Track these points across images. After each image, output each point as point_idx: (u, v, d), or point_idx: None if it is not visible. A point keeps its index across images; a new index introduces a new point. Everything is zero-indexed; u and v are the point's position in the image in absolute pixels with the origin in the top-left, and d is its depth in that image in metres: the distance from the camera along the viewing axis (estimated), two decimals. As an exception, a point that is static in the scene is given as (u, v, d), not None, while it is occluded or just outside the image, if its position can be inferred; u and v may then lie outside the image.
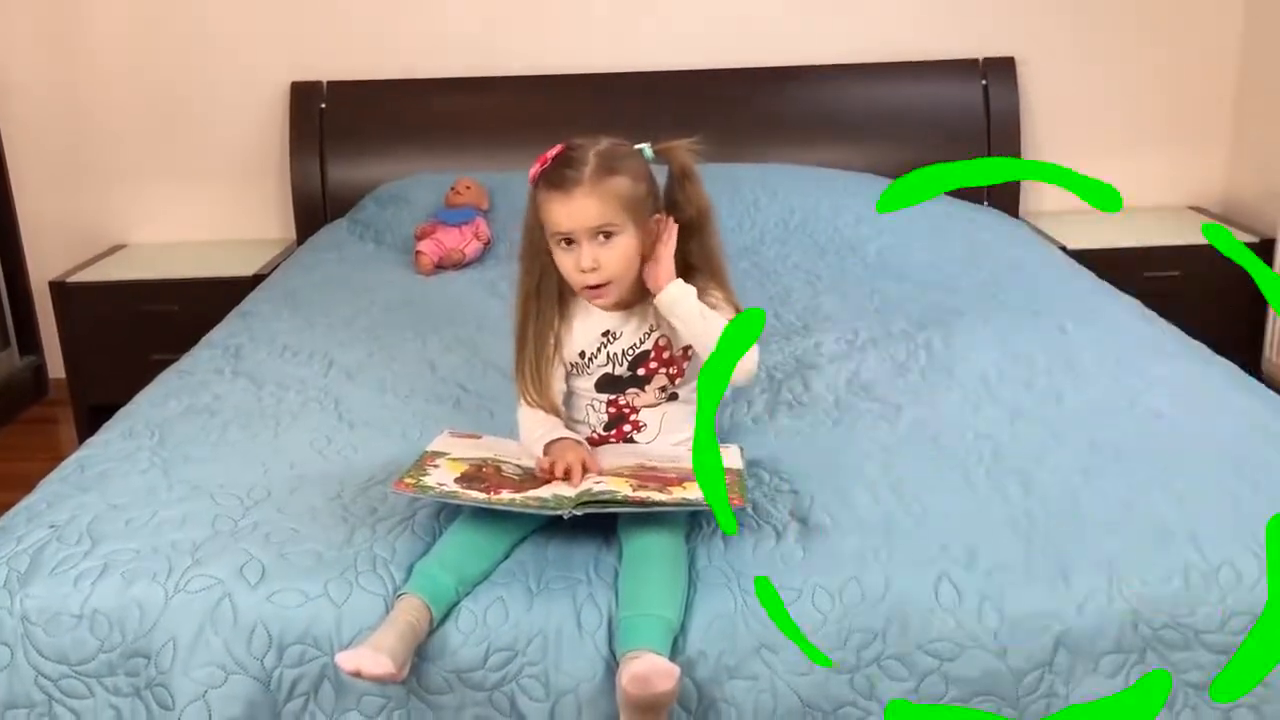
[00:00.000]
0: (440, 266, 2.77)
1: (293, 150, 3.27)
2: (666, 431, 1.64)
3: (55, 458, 1.85)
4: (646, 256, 1.57)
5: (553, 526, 1.48)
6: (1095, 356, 1.98)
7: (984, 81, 3.25)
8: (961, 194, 3.17)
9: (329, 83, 3.28)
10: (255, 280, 2.95)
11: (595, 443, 1.64)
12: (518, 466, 1.54)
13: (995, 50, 3.28)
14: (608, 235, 1.53)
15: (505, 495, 1.43)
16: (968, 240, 2.79)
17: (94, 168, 3.37)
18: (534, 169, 1.57)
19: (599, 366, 1.62)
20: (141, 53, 3.29)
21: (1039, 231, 3.07)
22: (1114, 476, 1.56)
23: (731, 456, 1.56)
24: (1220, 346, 2.14)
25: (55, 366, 3.37)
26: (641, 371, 1.62)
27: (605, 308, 1.61)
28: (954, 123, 3.25)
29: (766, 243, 2.82)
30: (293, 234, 3.34)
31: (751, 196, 2.95)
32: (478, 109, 3.27)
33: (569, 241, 1.54)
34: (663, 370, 1.62)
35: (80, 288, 3.09)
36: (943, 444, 1.68)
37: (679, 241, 1.59)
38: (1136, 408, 1.76)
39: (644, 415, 1.64)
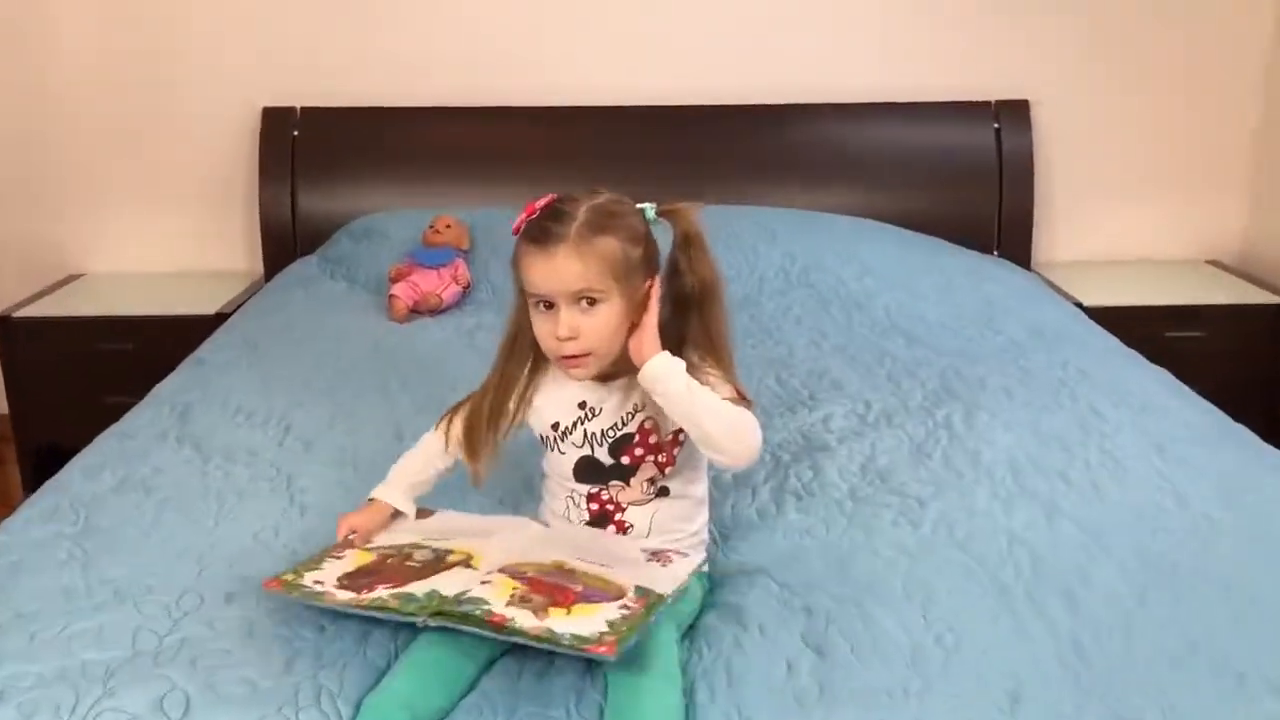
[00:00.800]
0: (415, 311, 2.57)
1: (263, 179, 3.06)
2: (659, 533, 1.44)
3: (4, 504, 1.63)
4: (635, 326, 1.37)
5: (525, 650, 1.28)
6: (1133, 443, 1.80)
7: (996, 124, 3.08)
8: (972, 244, 2.99)
9: (303, 108, 3.08)
10: (217, 319, 2.74)
11: None
12: (433, 551, 1.37)
13: (1009, 92, 3.10)
14: (591, 301, 1.35)
15: (370, 596, 1.25)
16: (982, 297, 2.60)
17: (50, 192, 3.16)
18: (519, 219, 1.39)
19: (575, 447, 1.43)
20: (104, 71, 3.08)
21: (1053, 286, 2.89)
22: (1171, 600, 1.37)
23: (671, 574, 1.31)
24: (1241, 408, 2.03)
25: (1, 401, 3.15)
26: (625, 460, 1.41)
27: (580, 379, 1.42)
28: (965, 167, 3.08)
29: (766, 294, 2.63)
30: (260, 267, 3.13)
31: (750, 241, 2.76)
32: (461, 141, 3.08)
33: (548, 305, 1.36)
34: (650, 458, 1.41)
35: (29, 323, 2.87)
36: (973, 550, 1.49)
37: (678, 315, 1.40)
38: (1187, 510, 1.57)
39: (631, 514, 1.43)
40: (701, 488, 1.48)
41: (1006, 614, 1.35)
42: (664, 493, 1.43)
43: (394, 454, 1.78)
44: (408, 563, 1.34)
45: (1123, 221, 3.23)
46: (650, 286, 1.38)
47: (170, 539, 1.51)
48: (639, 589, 1.25)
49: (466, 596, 1.23)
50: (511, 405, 1.46)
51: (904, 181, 3.07)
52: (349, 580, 1.31)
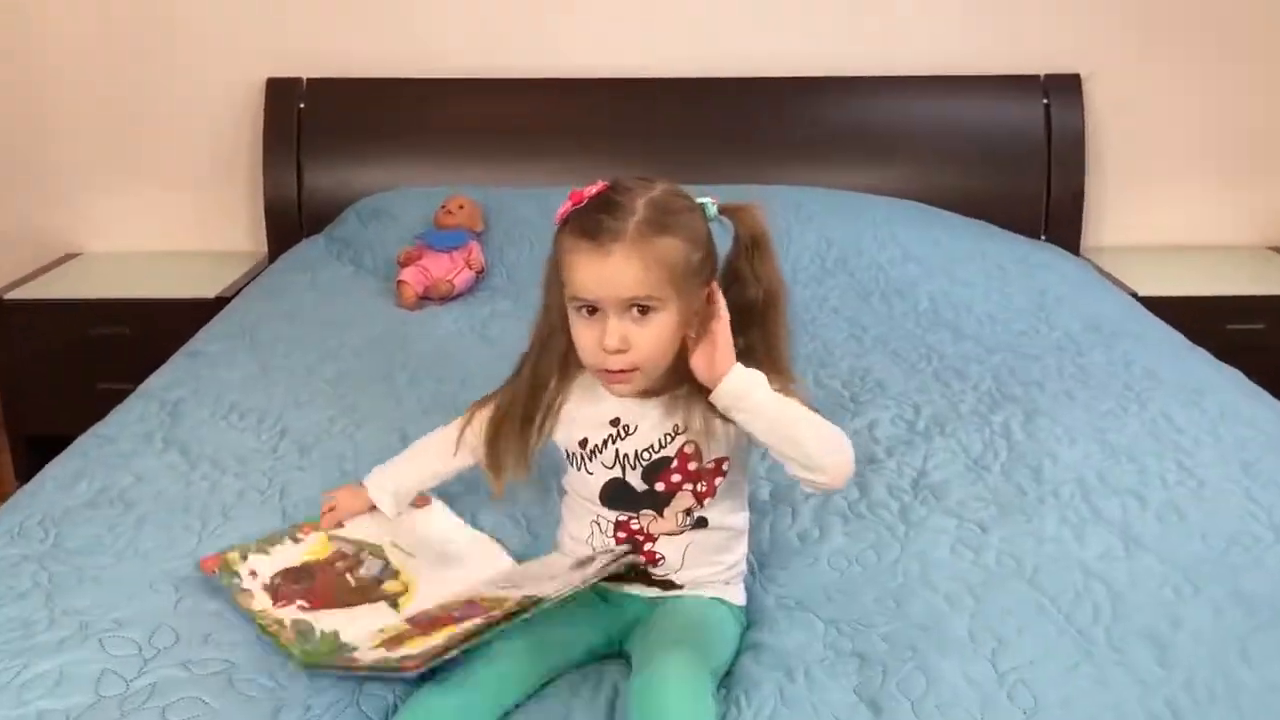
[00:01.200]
0: (426, 298, 2.41)
1: (267, 154, 2.90)
2: (692, 566, 1.27)
3: None
4: (688, 338, 1.20)
5: (545, 695, 1.13)
6: (1214, 458, 1.62)
7: (1046, 100, 2.88)
8: (1019, 227, 2.81)
9: (309, 80, 2.91)
10: (217, 303, 2.59)
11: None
12: (382, 567, 1.34)
13: (1059, 66, 2.91)
14: (644, 310, 1.18)
15: (274, 616, 1.24)
16: (1033, 287, 2.42)
17: (46, 168, 3.00)
18: (564, 207, 1.22)
19: (604, 468, 1.26)
20: (100, 41, 2.91)
21: (1106, 275, 2.71)
22: (1277, 649, 1.20)
23: (578, 575, 1.17)
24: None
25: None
26: (660, 487, 1.25)
27: (622, 395, 1.25)
28: (1012, 145, 2.89)
29: (800, 281, 2.45)
30: (264, 247, 2.97)
31: (783, 224, 2.58)
32: (475, 114, 2.91)
33: (592, 310, 1.20)
34: (688, 486, 1.25)
35: (21, 306, 2.72)
36: (1044, 587, 1.32)
37: (738, 327, 1.21)
38: (1287, 542, 1.40)
39: (663, 545, 1.27)
40: (742, 518, 1.32)
41: (1088, 664, 1.18)
42: (701, 524, 1.27)
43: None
44: (348, 574, 1.33)
45: (1179, 204, 3.03)
46: (711, 293, 1.21)
47: (145, 562, 1.35)
48: (525, 598, 1.13)
49: (324, 638, 1.22)
50: (539, 415, 1.29)
51: (945, 160, 2.89)
52: (280, 580, 1.30)
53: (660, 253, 1.16)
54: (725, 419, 1.20)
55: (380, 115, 2.89)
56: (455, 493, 1.51)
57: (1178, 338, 2.20)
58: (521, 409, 1.29)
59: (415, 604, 1.28)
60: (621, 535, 1.28)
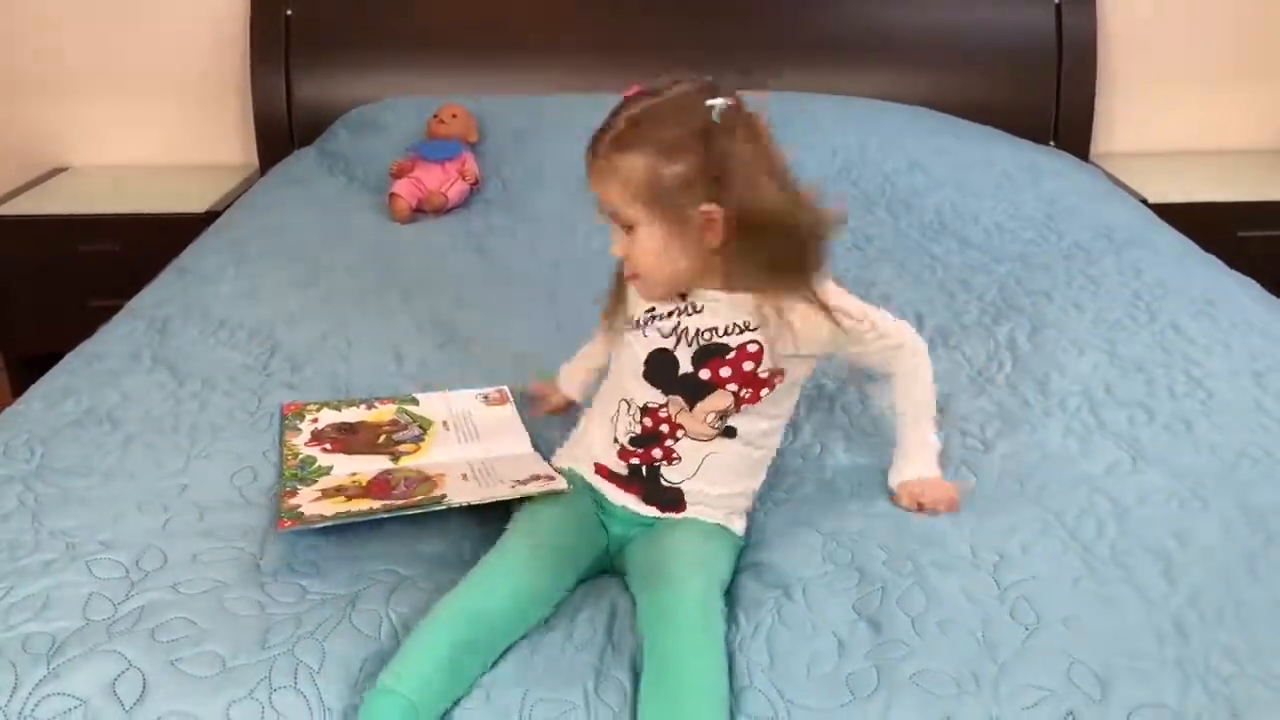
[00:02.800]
0: (419, 211, 2.35)
1: (254, 63, 2.81)
2: (704, 480, 1.24)
3: None
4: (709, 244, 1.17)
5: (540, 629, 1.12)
6: (1225, 370, 1.58)
7: (1057, 2, 2.78)
8: (1029, 133, 2.74)
9: (296, -16, 2.82)
10: (207, 218, 2.53)
11: (607, 474, 1.27)
12: (424, 433, 1.44)
13: (1072, -34, 2.80)
14: (627, 227, 1.19)
15: (298, 447, 1.40)
16: (1041, 195, 2.36)
17: (30, 81, 2.91)
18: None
19: (660, 335, 1.23)
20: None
21: (1117, 182, 2.64)
22: (1286, 566, 1.17)
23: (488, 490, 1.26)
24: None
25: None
26: (706, 375, 1.21)
27: (647, 299, 1.25)
28: (1022, 49, 2.79)
29: (804, 190, 2.39)
30: (255, 159, 2.90)
31: (785, 133, 2.48)
32: (469, 18, 2.80)
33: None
34: (732, 386, 1.21)
35: (9, 222, 2.66)
36: (1048, 503, 1.29)
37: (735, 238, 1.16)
38: (1297, 455, 1.37)
39: (683, 446, 1.24)
40: (771, 444, 1.29)
41: (1092, 580, 1.16)
42: (729, 434, 1.24)
43: (390, 380, 1.62)
44: (384, 435, 1.44)
45: (1190, 108, 2.95)
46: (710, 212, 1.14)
47: (133, 482, 1.33)
48: (433, 496, 1.24)
49: (317, 469, 1.34)
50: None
51: (953, 65, 2.80)
52: (329, 429, 1.44)
53: (624, 172, 1.15)
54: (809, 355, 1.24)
55: (371, 21, 2.80)
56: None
57: (1190, 245, 2.14)
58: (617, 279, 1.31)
59: (415, 461, 1.37)
60: (648, 422, 1.24)
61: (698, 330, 1.22)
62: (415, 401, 1.53)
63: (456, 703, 1.04)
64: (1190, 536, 1.22)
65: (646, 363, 1.23)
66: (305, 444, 1.41)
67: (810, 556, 1.21)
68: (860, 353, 1.29)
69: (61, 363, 1.69)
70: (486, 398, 1.55)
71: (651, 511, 1.26)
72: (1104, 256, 2.03)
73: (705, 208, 1.15)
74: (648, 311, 1.25)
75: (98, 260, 2.62)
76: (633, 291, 1.28)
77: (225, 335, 1.76)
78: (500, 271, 2.07)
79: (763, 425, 1.26)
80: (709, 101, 1.15)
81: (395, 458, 1.39)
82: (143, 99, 2.94)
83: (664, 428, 1.24)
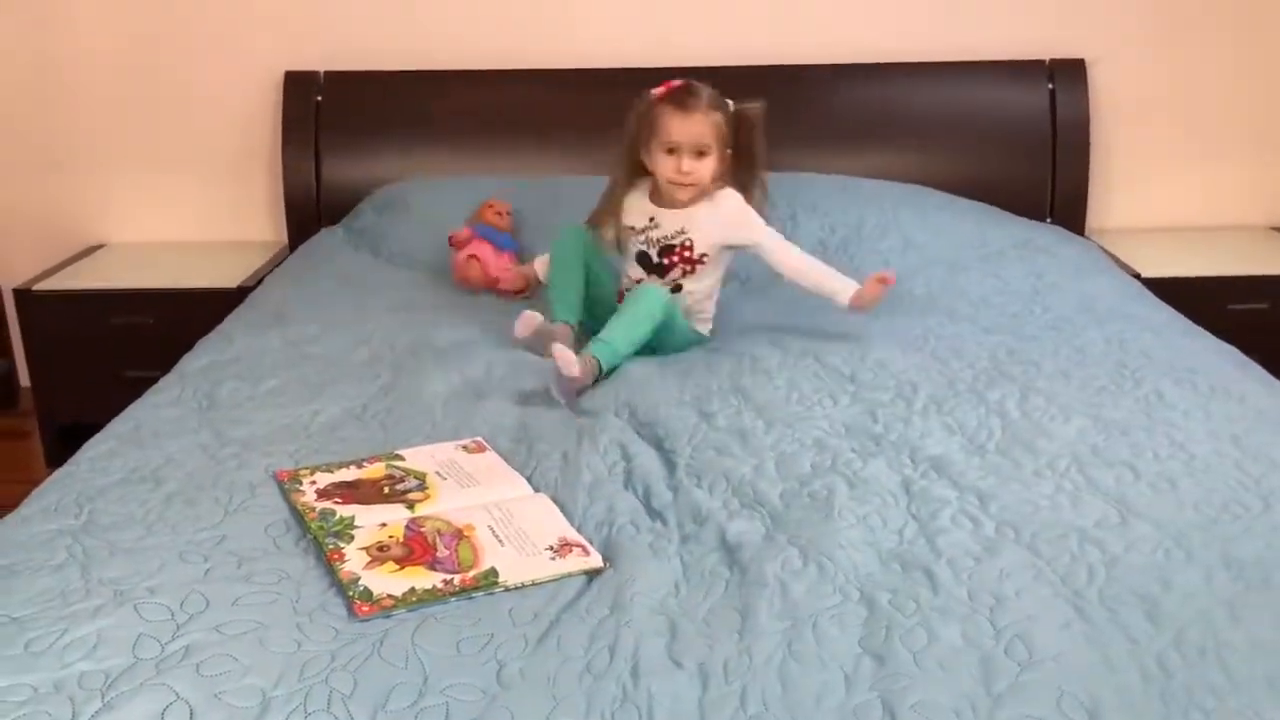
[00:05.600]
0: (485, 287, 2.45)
1: (285, 146, 2.96)
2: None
3: (27, 480, 1.70)
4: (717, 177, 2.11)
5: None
6: (1206, 433, 1.66)
7: (1050, 85, 2.92)
8: (1023, 209, 2.85)
9: (326, 73, 2.97)
10: (239, 293, 2.65)
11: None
12: (417, 482, 1.56)
13: (1063, 51, 2.95)
14: (701, 154, 2.06)
15: (312, 503, 1.50)
16: (1031, 269, 2.47)
17: (70, 160, 3.08)
18: (659, 90, 2.09)
19: (639, 244, 2.15)
20: (124, 35, 2.98)
21: (1109, 255, 2.74)
22: (1265, 613, 1.24)
23: (546, 568, 1.36)
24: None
25: (26, 374, 3.08)
26: (665, 262, 2.13)
27: (684, 200, 2.11)
28: (1017, 130, 2.92)
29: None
30: (284, 237, 3.04)
31: (788, 211, 2.62)
32: (490, 105, 2.96)
33: (670, 150, 2.06)
34: (680, 266, 2.13)
35: (49, 296, 2.79)
36: (1041, 551, 1.37)
37: (735, 164, 2.14)
38: (1273, 511, 1.44)
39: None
40: (707, 286, 2.17)
41: (1082, 623, 1.23)
42: (678, 289, 2.13)
43: (427, 443, 1.71)
44: (386, 488, 1.55)
45: (1183, 186, 3.07)
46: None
47: (174, 534, 1.41)
48: (488, 571, 1.33)
49: (340, 520, 1.44)
50: (615, 204, 2.19)
51: (952, 146, 2.92)
52: (331, 487, 1.54)
53: (716, 120, 2.06)
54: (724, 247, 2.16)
55: (396, 107, 2.95)
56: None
57: (1174, 318, 2.23)
58: (609, 200, 2.20)
59: (429, 509, 1.49)
60: (636, 283, 2.15)
61: (658, 238, 2.13)
62: (401, 457, 1.64)
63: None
64: (1175, 584, 1.29)
65: (636, 257, 2.15)
66: (314, 500, 1.50)
67: (822, 587, 1.30)
68: (754, 246, 2.14)
69: (109, 426, 1.78)
70: (465, 447, 1.68)
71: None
72: (1090, 329, 2.12)
73: (727, 150, 2.10)
74: (630, 229, 2.15)
75: (132, 333, 2.74)
76: (627, 213, 2.16)
77: (267, 400, 1.86)
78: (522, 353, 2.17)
79: (700, 286, 2.15)
80: (728, 100, 2.10)
81: (410, 505, 1.49)
82: (177, 177, 3.08)
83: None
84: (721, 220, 2.11)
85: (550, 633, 1.24)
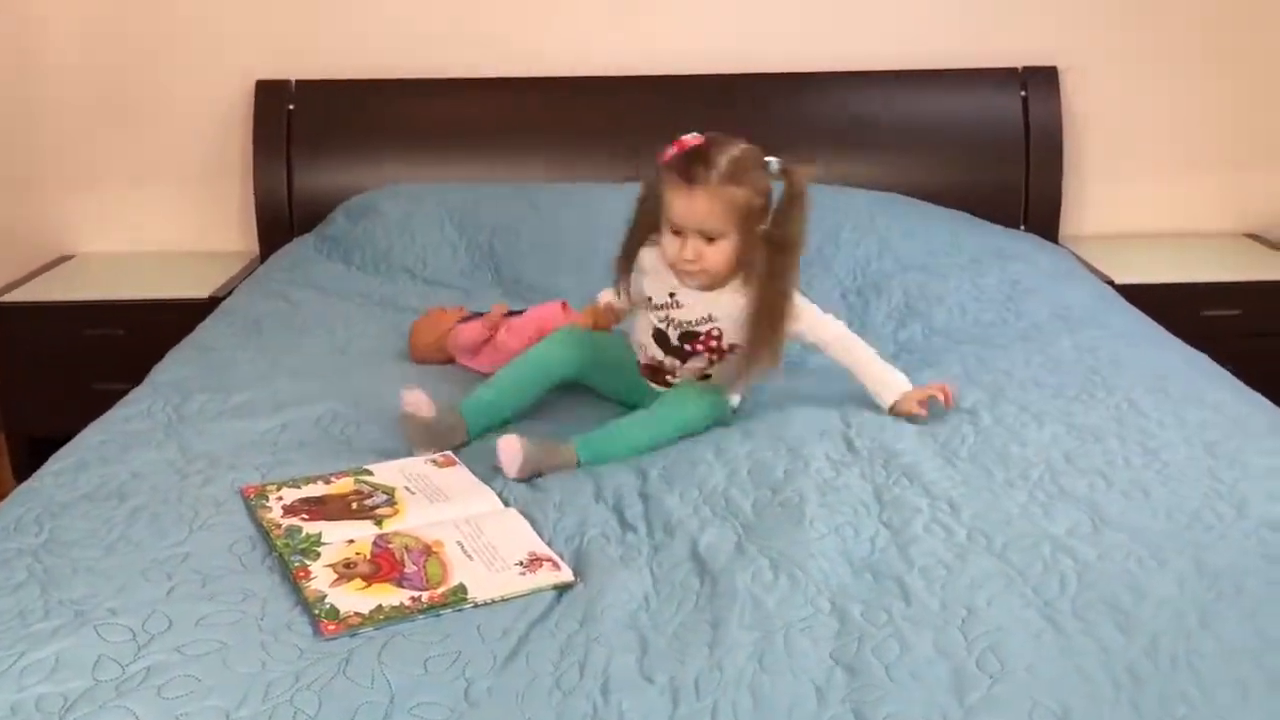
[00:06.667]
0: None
1: (257, 155, 2.93)
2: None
3: None
4: (742, 262, 1.72)
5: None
6: (1180, 439, 1.66)
7: (1023, 92, 2.93)
8: (999, 218, 2.85)
9: (297, 81, 2.95)
10: (210, 303, 2.62)
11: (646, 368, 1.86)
12: (386, 498, 1.53)
13: (1036, 58, 2.95)
14: (712, 238, 1.68)
15: (278, 520, 1.46)
16: (1005, 276, 2.46)
17: (38, 170, 3.03)
18: (669, 152, 1.70)
19: (657, 322, 1.80)
20: (93, 45, 2.95)
21: (1084, 262, 2.75)
22: (1236, 619, 1.24)
23: (517, 583, 1.34)
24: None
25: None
26: (688, 348, 1.79)
27: (691, 286, 1.76)
28: (990, 137, 2.93)
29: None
30: (255, 247, 3.01)
31: (764, 219, 2.62)
32: (462, 113, 2.94)
33: (677, 230, 1.70)
34: (705, 355, 1.79)
35: (18, 309, 2.75)
36: (1013, 560, 1.37)
37: (767, 255, 1.71)
38: (1247, 518, 1.44)
39: (680, 377, 1.82)
40: (732, 374, 1.80)
41: (1053, 632, 1.23)
42: (705, 378, 1.80)
43: (398, 455, 1.69)
44: (354, 503, 1.51)
45: (1156, 193, 3.08)
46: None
47: (138, 551, 1.39)
48: (456, 587, 1.31)
49: (306, 537, 1.41)
50: (630, 257, 1.84)
51: (926, 153, 2.92)
52: (298, 503, 1.50)
53: (731, 198, 1.65)
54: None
55: (368, 115, 2.93)
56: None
57: (1147, 324, 2.24)
58: (624, 259, 1.85)
59: (397, 525, 1.46)
60: (655, 362, 1.83)
61: (680, 321, 1.78)
62: (369, 472, 1.61)
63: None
64: (1147, 592, 1.29)
65: (653, 334, 1.80)
66: (281, 517, 1.47)
67: (783, 602, 1.28)
68: (794, 337, 1.79)
69: (75, 439, 1.75)
70: (435, 461, 1.65)
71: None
72: (1063, 337, 2.12)
73: (761, 229, 1.68)
74: (648, 300, 1.78)
75: (102, 345, 2.71)
76: (645, 274, 1.80)
77: (239, 413, 1.83)
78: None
79: (727, 374, 1.78)
80: (767, 159, 1.69)
81: (378, 521, 1.46)
82: (147, 187, 3.05)
83: (665, 371, 1.82)
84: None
85: (519, 649, 1.22)
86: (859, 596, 1.31)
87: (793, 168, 1.67)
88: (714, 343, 1.75)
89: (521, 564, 1.36)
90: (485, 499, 1.55)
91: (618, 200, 2.66)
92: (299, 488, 1.56)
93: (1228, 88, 2.99)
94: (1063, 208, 2.97)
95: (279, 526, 1.45)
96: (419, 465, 1.64)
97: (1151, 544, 1.39)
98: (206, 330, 2.25)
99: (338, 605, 1.27)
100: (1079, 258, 2.77)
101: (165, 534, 1.44)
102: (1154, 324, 2.26)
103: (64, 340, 2.74)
